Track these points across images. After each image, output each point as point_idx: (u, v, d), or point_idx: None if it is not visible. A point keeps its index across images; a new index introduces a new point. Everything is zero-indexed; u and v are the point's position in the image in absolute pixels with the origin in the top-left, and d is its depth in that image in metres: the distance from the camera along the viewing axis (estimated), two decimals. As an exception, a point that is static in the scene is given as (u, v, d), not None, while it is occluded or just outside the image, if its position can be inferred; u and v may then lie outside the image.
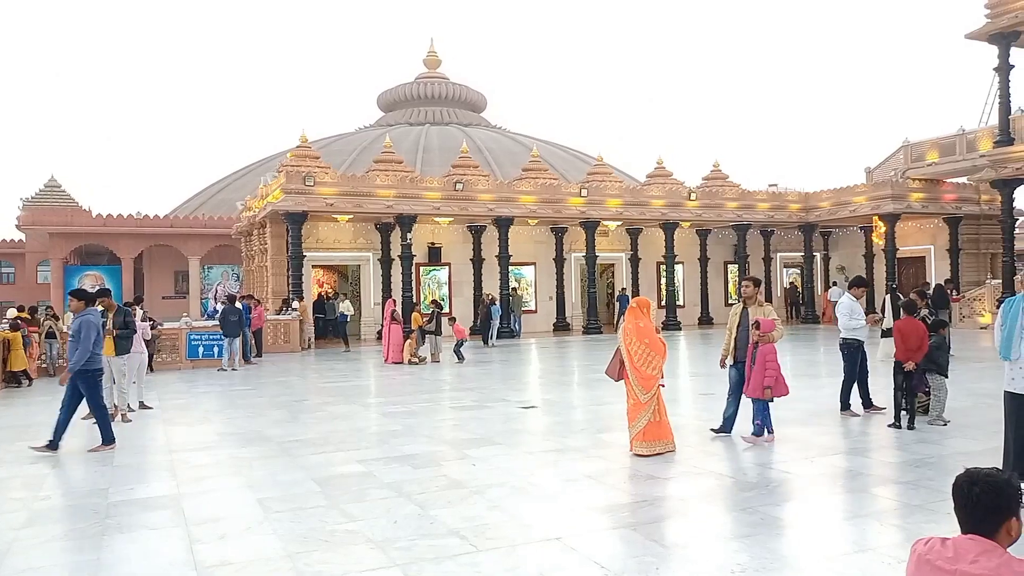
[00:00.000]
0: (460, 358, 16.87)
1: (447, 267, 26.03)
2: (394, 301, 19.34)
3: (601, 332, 25.07)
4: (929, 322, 8.70)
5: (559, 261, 26.84)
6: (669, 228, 27.01)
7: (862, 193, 27.48)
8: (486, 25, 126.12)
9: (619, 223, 27.00)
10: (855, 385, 8.96)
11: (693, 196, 27.51)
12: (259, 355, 18.91)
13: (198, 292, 38.24)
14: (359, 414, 10.07)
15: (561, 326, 26.87)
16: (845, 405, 8.93)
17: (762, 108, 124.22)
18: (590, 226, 25.65)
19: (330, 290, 27.07)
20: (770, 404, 7.44)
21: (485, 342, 21.92)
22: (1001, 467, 5.33)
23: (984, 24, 21.69)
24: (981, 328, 22.51)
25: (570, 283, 27.73)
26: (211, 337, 17.17)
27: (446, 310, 23.21)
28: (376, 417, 9.89)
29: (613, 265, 29.49)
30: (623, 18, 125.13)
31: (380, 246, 24.58)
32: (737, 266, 29.27)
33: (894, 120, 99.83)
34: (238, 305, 17.47)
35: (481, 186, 24.47)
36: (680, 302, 28.66)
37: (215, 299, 35.88)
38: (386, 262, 24.45)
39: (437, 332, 17.48)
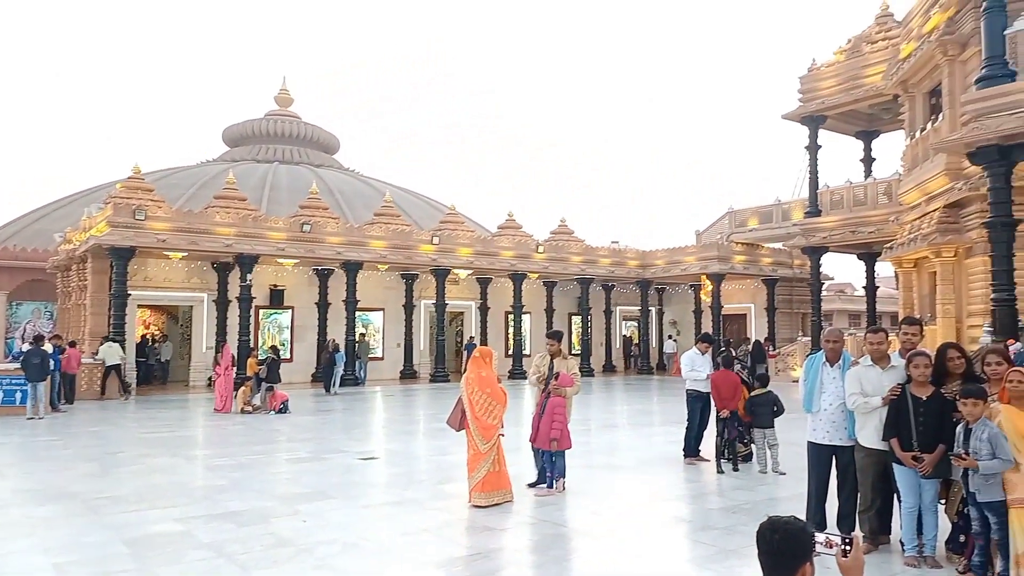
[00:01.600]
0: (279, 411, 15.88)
1: (290, 311, 25.06)
2: (228, 345, 18.30)
3: (448, 380, 24.99)
4: (743, 376, 9.43)
5: (408, 308, 26.64)
6: (518, 279, 27.65)
7: (692, 254, 29.60)
8: (344, 70, 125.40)
9: (470, 272, 27.30)
10: (699, 432, 9.47)
11: (541, 249, 28.41)
12: (70, 402, 17.13)
13: (3, 331, 34.23)
14: (181, 467, 9.32)
15: (408, 374, 26.53)
16: (691, 452, 9.39)
17: (607, 169, 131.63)
18: (441, 274, 25.74)
19: (156, 332, 25.18)
20: (565, 452, 7.62)
21: (327, 390, 21.17)
22: (805, 512, 5.80)
23: (797, 107, 24.35)
24: (793, 381, 24.68)
25: (419, 330, 27.56)
26: (13, 381, 15.35)
27: (287, 356, 22.23)
28: (201, 471, 9.19)
29: (463, 313, 29.68)
30: (477, 78, 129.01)
31: (216, 287, 23.25)
32: (581, 317, 30.41)
33: (723, 187, 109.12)
34: (46, 347, 15.81)
35: (330, 228, 23.94)
36: (527, 351, 29.24)
37: (22, 339, 32.23)
38: (222, 304, 23.13)
39: (274, 380, 16.69)
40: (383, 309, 27.02)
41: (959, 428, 4.63)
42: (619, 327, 33.85)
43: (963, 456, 4.44)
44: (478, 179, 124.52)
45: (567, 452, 7.70)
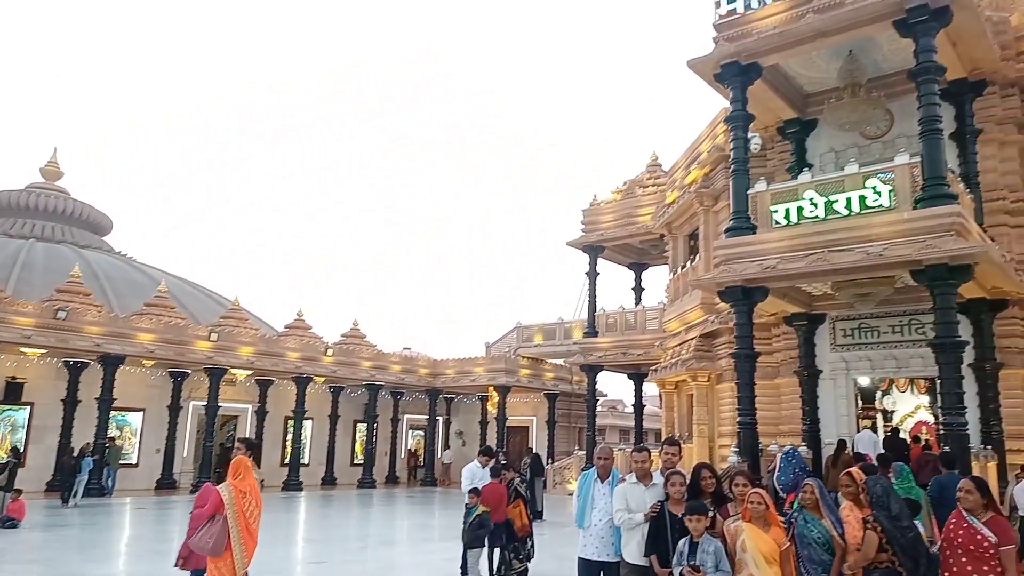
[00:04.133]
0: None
1: (28, 407, 21.81)
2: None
3: (213, 491, 22.78)
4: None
5: (174, 409, 24.31)
6: (302, 382, 26.45)
7: (481, 365, 30.32)
8: (345, 69, 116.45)
9: (249, 372, 25.68)
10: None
11: (330, 352, 27.58)
12: None
13: None
14: None
15: (167, 483, 23.87)
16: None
17: (402, 276, 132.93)
18: (217, 373, 23.94)
19: None
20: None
21: (65, 501, 18.36)
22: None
23: (580, 237, 26.48)
24: (568, 494, 25.54)
25: (184, 435, 25.12)
26: None
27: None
28: None
29: (237, 417, 27.60)
30: (260, 175, 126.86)
31: (-64, 375, 19.77)
32: (366, 425, 29.56)
33: (515, 301, 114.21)
34: None
35: (90, 317, 21.55)
36: (305, 460, 27.68)
37: None
38: (-59, 396, 19.63)
39: (8, 488, 14.28)
40: (144, 409, 24.43)
41: (682, 542, 4.99)
42: (406, 436, 33.29)
43: (693, 569, 4.79)
44: (271, 276, 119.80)
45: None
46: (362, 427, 30.37)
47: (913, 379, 14.78)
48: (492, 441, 29.50)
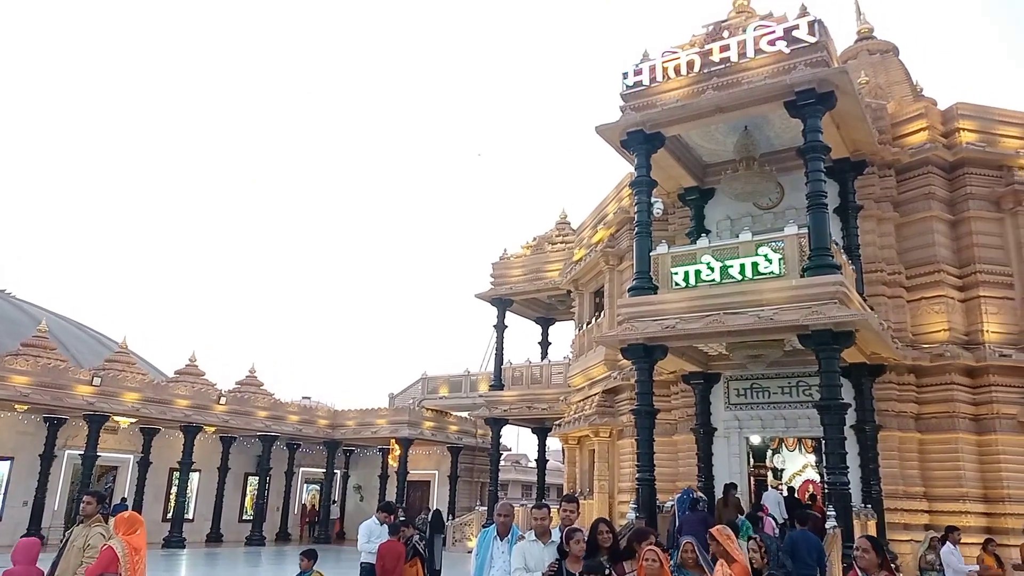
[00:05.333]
0: None
1: None
2: None
3: (84, 548, 21.04)
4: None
5: (47, 458, 22.50)
6: (191, 431, 25.07)
7: (384, 416, 29.64)
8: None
9: (134, 420, 24.14)
10: None
11: (223, 400, 26.35)
12: None
13: None
14: None
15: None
16: None
17: (306, 324, 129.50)
18: (97, 420, 22.39)
19: None
20: None
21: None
22: None
23: (489, 289, 26.64)
24: (469, 552, 25.04)
25: (56, 486, 23.22)
26: None
27: None
28: None
29: (117, 468, 25.79)
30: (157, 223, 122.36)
31: None
32: (259, 478, 28.20)
33: (422, 353, 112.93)
34: None
35: (-44, 356, 19.85)
36: (189, 515, 26.07)
37: None
38: None
39: None
40: (12, 458, 22.52)
41: None
42: (300, 490, 31.93)
43: None
44: (165, 319, 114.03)
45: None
46: (254, 480, 28.96)
47: (801, 438, 15.45)
48: (392, 496, 28.71)
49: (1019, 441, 12.80)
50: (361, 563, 9.11)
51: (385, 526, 9.24)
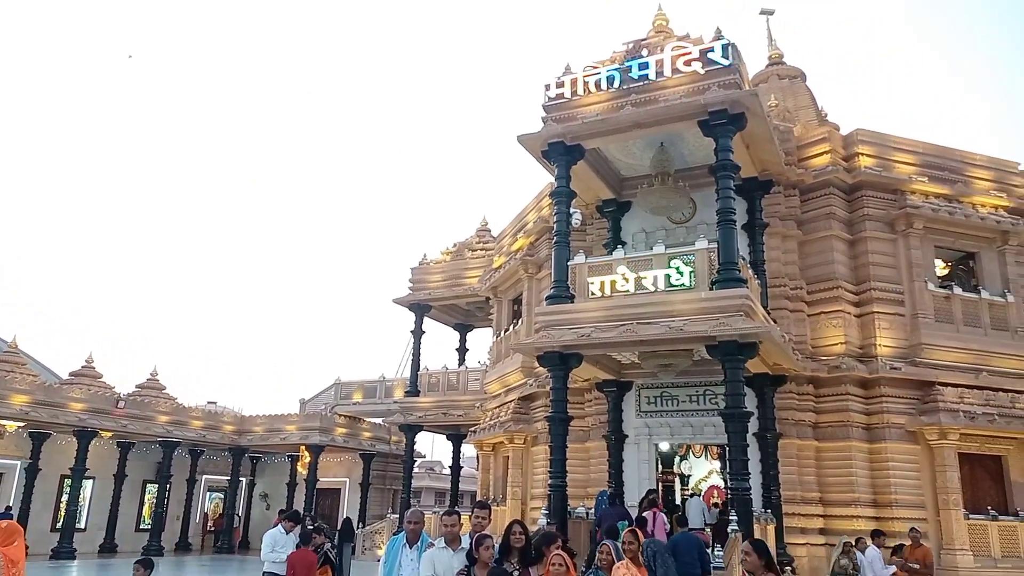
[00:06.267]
0: None
1: None
2: None
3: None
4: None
5: (-80, 464, 20.83)
6: (86, 436, 23.72)
7: (294, 422, 28.86)
8: None
9: (22, 425, 22.64)
10: None
11: (122, 404, 25.07)
12: None
13: None
14: None
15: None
16: None
17: (215, 328, 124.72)
18: (-21, 424, 20.91)
19: None
20: None
21: None
22: None
23: (407, 295, 26.37)
24: (378, 560, 24.61)
25: (-70, 495, 21.54)
26: None
27: None
28: None
29: (2, 474, 24.11)
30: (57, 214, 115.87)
31: None
32: (158, 486, 26.95)
33: (337, 358, 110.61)
34: None
35: None
36: (82, 525, 24.65)
37: None
38: None
39: None
40: None
41: None
42: (203, 499, 30.68)
43: None
44: (64, 321, 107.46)
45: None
46: (153, 488, 27.64)
47: (707, 445, 15.96)
48: (300, 504, 27.98)
49: (907, 449, 13.61)
50: (264, 572, 8.83)
51: (291, 535, 8.99)
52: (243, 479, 30.49)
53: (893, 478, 13.37)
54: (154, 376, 28.23)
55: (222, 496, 30.60)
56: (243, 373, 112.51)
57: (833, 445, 13.72)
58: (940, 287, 14.82)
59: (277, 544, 8.84)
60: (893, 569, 10.80)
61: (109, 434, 24.88)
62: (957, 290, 14.86)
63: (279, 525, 9.18)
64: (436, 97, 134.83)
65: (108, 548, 25.17)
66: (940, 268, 15.64)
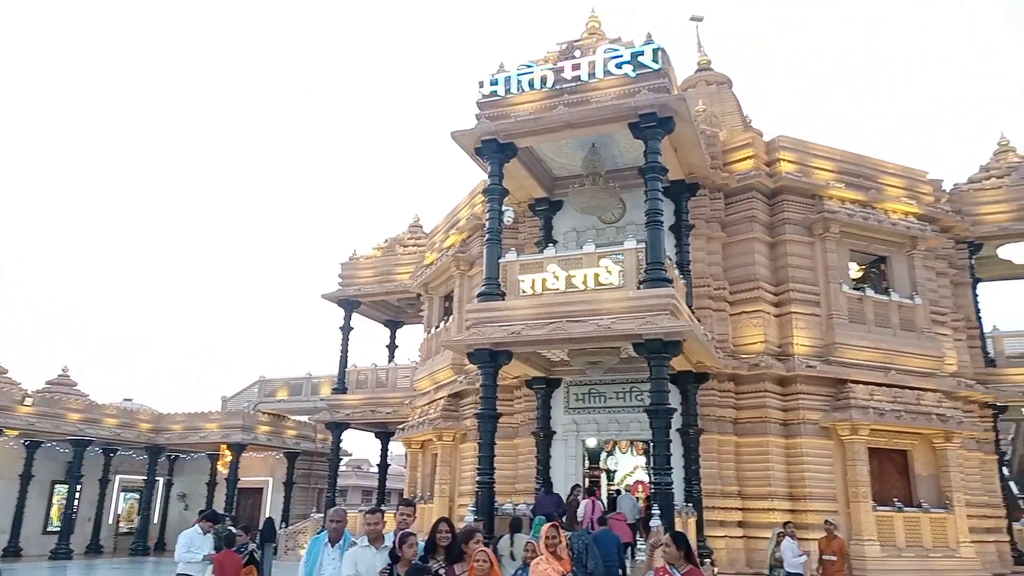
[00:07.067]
0: None
1: None
2: None
3: None
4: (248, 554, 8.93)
5: None
6: (-12, 435, 22.44)
7: (215, 420, 28.00)
8: None
9: (-85, 422, 21.26)
10: None
11: (29, 400, 23.81)
12: None
13: None
14: None
15: None
16: None
17: (132, 322, 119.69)
18: None
19: None
20: None
21: None
22: None
23: (336, 290, 25.91)
24: (300, 560, 24.13)
25: None
26: None
27: None
28: None
29: None
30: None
31: None
32: (68, 486, 25.70)
33: (263, 355, 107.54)
34: None
35: None
36: (-19, 529, 23.30)
37: None
38: None
39: None
40: None
41: None
42: (117, 499, 29.43)
43: None
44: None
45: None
46: (63, 488, 26.35)
47: (633, 441, 16.27)
48: (221, 504, 27.17)
49: (820, 444, 14.19)
50: (178, 574, 8.53)
51: (208, 536, 8.72)
52: (160, 479, 29.41)
53: (808, 472, 13.91)
54: (65, 372, 26.96)
55: (138, 496, 29.42)
56: (163, 371, 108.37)
57: (752, 440, 14.18)
58: (854, 289, 15.50)
59: (193, 544, 8.56)
60: (804, 559, 11.21)
61: (15, 432, 23.61)
62: (869, 292, 15.57)
63: (196, 525, 8.89)
64: (371, 92, 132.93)
65: (12, 551, 23.87)
66: (854, 271, 16.36)
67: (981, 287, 18.34)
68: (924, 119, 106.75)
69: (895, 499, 14.28)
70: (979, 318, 17.74)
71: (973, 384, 16.21)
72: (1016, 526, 16.77)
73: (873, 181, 16.39)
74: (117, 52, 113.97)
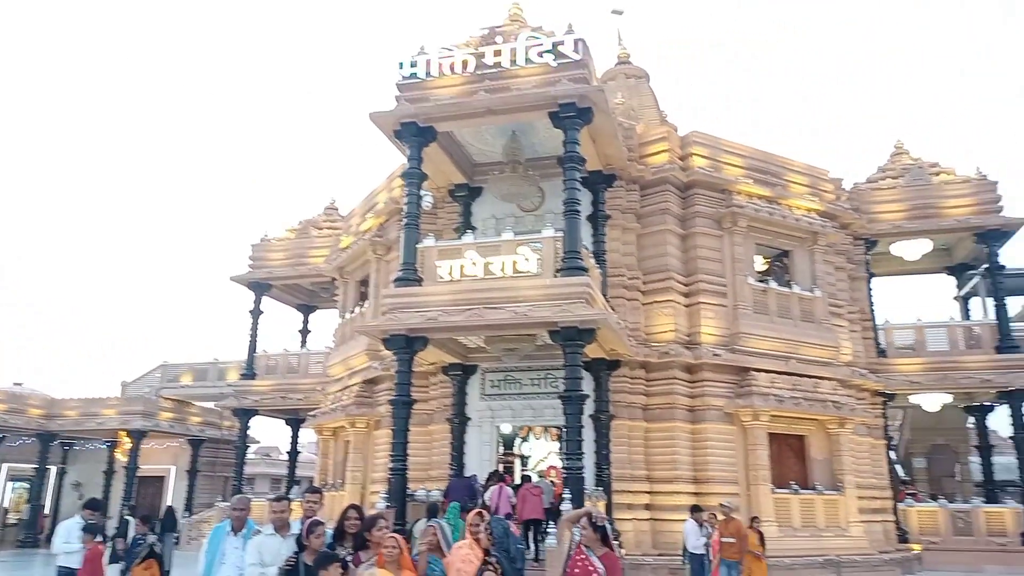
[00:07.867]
0: None
1: None
2: None
3: None
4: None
5: None
6: None
7: (114, 406, 26.67)
8: None
9: None
10: None
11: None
12: None
13: None
14: None
15: None
16: None
17: (21, 302, 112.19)
18: None
19: None
20: None
21: None
22: None
23: (246, 272, 25.04)
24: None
25: None
26: None
27: None
28: None
29: None
30: None
31: None
32: (-53, 477, 24.02)
33: (168, 340, 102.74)
34: None
35: None
36: None
37: None
38: None
39: None
40: None
41: None
42: (4, 489, 27.69)
43: None
44: None
45: None
46: (-58, 479, 24.59)
47: (547, 427, 16.48)
48: (118, 494, 25.99)
49: (723, 429, 14.74)
50: (58, 567, 8.07)
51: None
52: (52, 467, 27.83)
53: (711, 456, 14.44)
54: (-55, 354, 25.04)
55: (27, 486, 27.76)
56: (59, 356, 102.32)
57: (660, 426, 14.59)
58: (759, 281, 16.13)
59: (72, 535, 8.11)
60: (704, 540, 11.65)
61: None
62: (773, 284, 16.24)
63: (78, 515, 8.44)
64: (289, 70, 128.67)
65: None
66: (760, 264, 17.03)
67: (875, 282, 19.46)
68: (924, 119, 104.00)
69: (792, 482, 14.99)
70: (872, 311, 18.83)
71: (865, 373, 17.20)
72: (900, 506, 17.94)
73: (779, 178, 17.06)
74: (113, 52, 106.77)
